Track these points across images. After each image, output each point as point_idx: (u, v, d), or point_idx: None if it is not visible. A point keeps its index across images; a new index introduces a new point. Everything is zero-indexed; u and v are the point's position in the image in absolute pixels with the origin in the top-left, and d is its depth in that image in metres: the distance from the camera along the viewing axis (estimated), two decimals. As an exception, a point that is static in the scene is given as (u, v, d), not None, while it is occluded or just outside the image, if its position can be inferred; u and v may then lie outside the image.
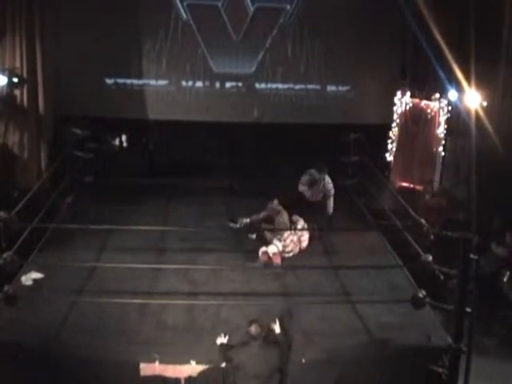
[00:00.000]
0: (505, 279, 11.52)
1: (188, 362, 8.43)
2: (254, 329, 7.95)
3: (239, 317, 9.34)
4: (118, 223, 11.95)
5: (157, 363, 8.41)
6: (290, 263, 11.36)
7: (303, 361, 8.54)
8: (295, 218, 12.08)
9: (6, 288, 8.78)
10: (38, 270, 10.41)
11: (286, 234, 11.63)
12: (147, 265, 10.80)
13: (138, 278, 10.40)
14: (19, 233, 9.58)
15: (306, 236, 11.96)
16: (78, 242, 11.75)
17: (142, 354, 8.52)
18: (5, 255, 8.77)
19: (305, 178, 13.09)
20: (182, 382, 8.43)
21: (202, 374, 8.41)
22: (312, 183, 13.04)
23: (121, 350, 8.60)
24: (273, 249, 11.43)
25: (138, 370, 8.40)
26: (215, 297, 10.09)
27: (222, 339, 8.25)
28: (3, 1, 13.78)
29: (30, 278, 10.30)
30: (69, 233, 11.77)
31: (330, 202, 12.90)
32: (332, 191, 12.90)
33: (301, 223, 11.96)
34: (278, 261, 11.41)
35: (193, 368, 8.42)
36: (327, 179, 12.92)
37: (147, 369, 8.41)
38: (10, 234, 9.28)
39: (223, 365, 8.16)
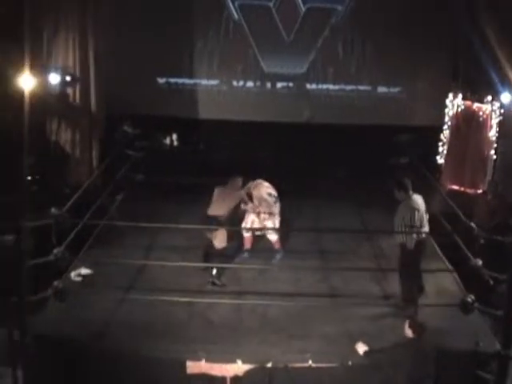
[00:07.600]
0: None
1: (234, 361, 8.45)
2: (412, 331, 8.01)
3: (285, 318, 9.46)
4: (168, 222, 11.97)
5: (203, 361, 8.43)
6: (337, 265, 11.34)
7: (350, 363, 8.51)
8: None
9: (55, 283, 8.91)
10: (87, 267, 10.57)
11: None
12: (195, 263, 10.87)
13: (185, 276, 10.48)
14: (70, 229, 9.72)
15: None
16: (127, 239, 11.89)
17: (188, 352, 8.58)
18: (56, 251, 8.93)
19: None
20: (228, 380, 8.45)
21: (247, 373, 8.42)
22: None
23: (168, 347, 8.67)
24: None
25: (184, 367, 8.44)
26: (263, 296, 10.11)
27: (362, 346, 8.38)
28: (57, 1, 14.00)
29: (79, 273, 10.46)
30: (118, 230, 11.93)
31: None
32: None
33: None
34: (248, 245, 11.61)
35: (239, 367, 8.44)
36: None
37: (194, 367, 8.44)
38: (62, 230, 9.46)
39: (269, 364, 8.21)
